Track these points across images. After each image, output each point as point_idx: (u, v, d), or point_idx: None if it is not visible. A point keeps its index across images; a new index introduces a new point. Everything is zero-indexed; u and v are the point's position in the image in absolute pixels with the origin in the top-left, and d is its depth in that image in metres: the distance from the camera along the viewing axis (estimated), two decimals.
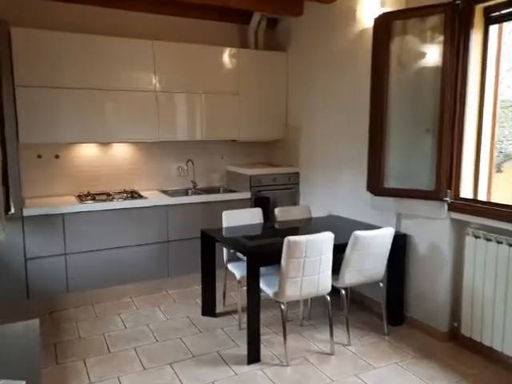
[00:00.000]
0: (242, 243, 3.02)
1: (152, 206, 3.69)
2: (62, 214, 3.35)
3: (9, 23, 3.15)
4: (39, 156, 3.71)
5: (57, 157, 3.77)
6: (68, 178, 3.84)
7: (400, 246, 3.09)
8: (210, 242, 3.23)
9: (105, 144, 3.93)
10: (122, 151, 4.04)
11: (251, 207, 4.09)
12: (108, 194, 3.85)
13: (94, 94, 3.56)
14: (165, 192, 4.08)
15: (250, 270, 2.66)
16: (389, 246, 2.93)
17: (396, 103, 3.03)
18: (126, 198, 3.69)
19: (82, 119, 3.54)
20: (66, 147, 3.79)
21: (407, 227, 3.15)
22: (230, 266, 3.26)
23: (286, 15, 4.23)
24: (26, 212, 3.23)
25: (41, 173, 3.73)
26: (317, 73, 3.97)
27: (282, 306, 2.68)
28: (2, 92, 3.07)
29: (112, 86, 3.62)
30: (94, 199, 3.62)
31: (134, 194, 3.85)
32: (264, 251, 2.83)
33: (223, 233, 3.27)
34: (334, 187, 3.84)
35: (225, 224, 3.39)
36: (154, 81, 3.79)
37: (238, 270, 3.13)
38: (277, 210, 3.58)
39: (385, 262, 2.97)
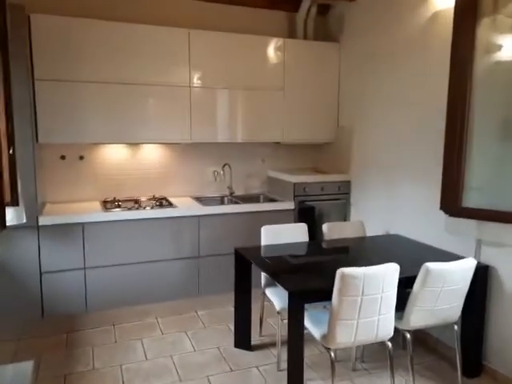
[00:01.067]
0: (283, 271, 2.51)
1: (183, 217, 3.26)
2: (82, 224, 2.99)
3: (28, 9, 2.81)
4: (63, 157, 3.38)
5: (81, 158, 3.43)
6: (93, 182, 3.48)
7: (480, 280, 2.48)
8: (245, 261, 2.75)
9: (133, 145, 3.55)
10: (151, 153, 3.64)
11: (294, 219, 3.58)
12: (136, 201, 3.46)
13: (121, 89, 3.18)
14: (198, 199, 3.64)
15: (292, 308, 2.16)
16: (468, 282, 2.33)
17: (482, 100, 2.41)
18: (154, 207, 3.28)
19: (107, 117, 3.17)
20: (91, 148, 3.44)
21: (490, 257, 2.52)
22: (269, 292, 2.77)
23: (339, 0, 3.67)
24: (42, 220, 2.89)
25: (64, 175, 3.39)
26: (376, 65, 3.39)
27: (332, 354, 2.16)
28: (21, 86, 2.73)
29: (141, 80, 3.22)
30: (119, 206, 3.24)
31: (163, 202, 3.43)
32: (310, 286, 2.29)
33: (262, 252, 2.79)
34: (393, 200, 3.25)
35: (264, 241, 2.90)
36: (188, 75, 3.36)
37: (277, 299, 2.63)
38: (325, 227, 3.05)
39: (462, 300, 2.37)
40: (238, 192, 3.91)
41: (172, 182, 3.73)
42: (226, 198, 3.83)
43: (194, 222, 3.30)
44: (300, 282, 2.33)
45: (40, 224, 2.88)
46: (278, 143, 3.89)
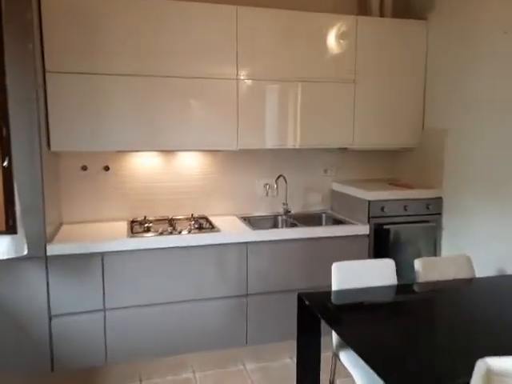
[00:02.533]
0: (372, 341, 1.72)
1: (227, 244, 2.56)
2: (102, 254, 2.36)
3: None
4: (84, 168, 2.78)
5: (106, 169, 2.81)
6: (119, 197, 2.86)
7: None
8: (312, 313, 2.00)
9: (167, 153, 2.90)
10: (189, 162, 2.97)
11: (369, 248, 2.79)
12: (170, 222, 2.80)
13: (152, 84, 2.53)
14: (245, 220, 2.94)
15: None
16: None
17: None
18: (192, 230, 2.60)
19: (136, 119, 2.53)
20: (118, 157, 2.82)
21: None
22: (344, 358, 1.99)
23: None
24: (52, 249, 2.28)
25: (86, 189, 2.79)
26: (481, 47, 2.54)
27: None
28: (26, 79, 2.14)
29: (177, 73, 2.56)
30: (148, 230, 2.58)
31: (203, 224, 2.74)
32: (416, 370, 1.48)
33: (332, 300, 2.03)
34: (509, 226, 2.39)
35: (336, 284, 2.12)
36: (235, 64, 2.66)
37: (358, 371, 1.85)
38: (419, 264, 2.22)
39: None
40: (295, 209, 3.16)
41: (214, 198, 3.05)
42: (280, 218, 3.09)
43: (242, 250, 2.59)
44: (404, 365, 1.52)
45: (49, 254, 2.27)
46: (344, 149, 3.12)
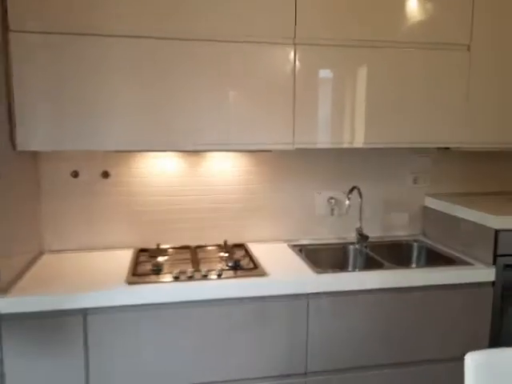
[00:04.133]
0: None
1: (277, 296, 1.66)
2: (84, 312, 1.52)
3: None
4: (75, 174, 1.96)
5: (105, 175, 1.98)
6: (123, 215, 2.03)
7: None
8: None
9: (191, 154, 2.04)
10: (223, 168, 2.10)
11: (494, 304, 1.80)
12: (193, 255, 1.94)
13: (168, 51, 1.67)
14: (301, 251, 2.03)
15: None
16: None
17: None
18: (223, 271, 1.72)
19: (144, 104, 1.68)
20: (121, 159, 1.99)
21: None
22: None
23: None
24: (6, 305, 1.47)
25: (77, 203, 1.98)
26: None
27: None
28: None
29: (202, 34, 1.68)
30: (157, 271, 1.72)
31: (240, 260, 1.83)
32: None
33: None
34: None
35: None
36: (290, 20, 1.75)
37: None
38: None
39: None
40: (372, 234, 2.22)
41: (256, 217, 2.16)
42: (351, 249, 2.15)
43: (299, 306, 1.68)
44: None
45: (2, 312, 1.47)
46: (444, 150, 2.14)
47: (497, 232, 1.79)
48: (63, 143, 1.65)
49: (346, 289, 1.70)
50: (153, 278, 1.65)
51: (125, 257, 1.90)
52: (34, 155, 1.88)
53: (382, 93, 1.86)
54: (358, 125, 1.87)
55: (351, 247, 2.14)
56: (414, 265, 2.17)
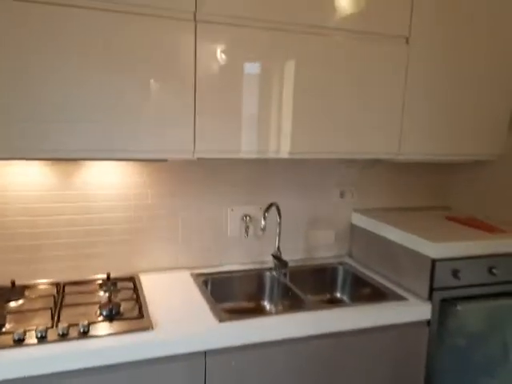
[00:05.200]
0: None
1: (164, 358, 1.25)
2: None
3: None
4: None
5: None
6: None
7: None
8: None
9: (61, 162, 1.55)
10: (104, 179, 1.62)
11: (429, 345, 1.54)
12: (58, 297, 1.46)
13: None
14: (206, 283, 1.65)
15: None
16: None
17: None
18: (87, 328, 1.27)
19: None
20: None
21: None
22: None
23: None
24: None
25: None
26: None
27: None
28: None
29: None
30: (3, 324, 1.23)
31: (118, 305, 1.40)
32: None
33: None
34: None
35: None
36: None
37: None
38: None
39: None
40: (292, 256, 1.88)
41: (151, 241, 1.72)
42: (267, 277, 1.79)
43: (195, 367, 1.28)
44: None
45: None
46: (373, 161, 1.85)
47: (434, 262, 1.52)
48: None
49: (257, 340, 1.33)
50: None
51: None
52: None
53: (309, 90, 1.50)
54: (276, 131, 1.50)
55: (268, 274, 1.78)
56: (338, 293, 1.87)
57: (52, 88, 1.22)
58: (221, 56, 1.38)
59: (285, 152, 1.51)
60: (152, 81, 1.31)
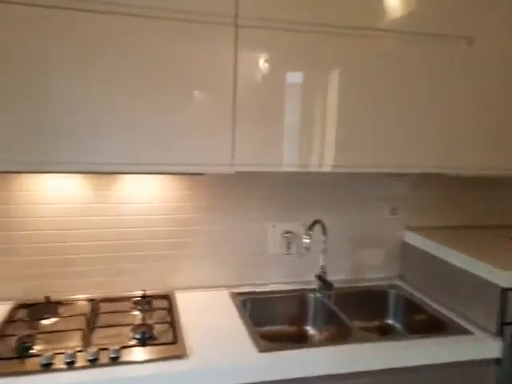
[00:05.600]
0: None
1: None
2: None
3: None
4: None
5: None
6: (1, 253, 1.47)
7: None
8: None
9: (96, 175, 1.50)
10: (140, 193, 1.55)
11: None
12: (92, 315, 1.39)
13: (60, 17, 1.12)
14: (245, 303, 1.53)
15: None
16: None
17: None
18: (119, 354, 1.19)
19: (12, 105, 1.12)
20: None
21: None
22: None
23: None
24: None
25: None
26: None
27: None
28: None
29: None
30: (24, 348, 1.17)
31: (151, 329, 1.31)
32: None
33: None
34: None
35: None
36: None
37: None
38: None
39: None
40: (337, 276, 1.74)
41: (187, 257, 1.63)
42: (311, 299, 1.65)
43: None
44: None
45: None
46: (424, 174, 1.68)
47: (504, 292, 1.33)
48: None
49: (299, 375, 1.20)
50: (9, 366, 1.10)
51: None
52: None
53: (354, 99, 1.37)
54: (324, 142, 1.37)
55: (311, 296, 1.65)
56: (389, 320, 1.70)
57: (87, 99, 1.16)
58: (262, 63, 1.28)
59: (328, 165, 1.39)
60: (188, 91, 1.23)
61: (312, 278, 1.69)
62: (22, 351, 1.15)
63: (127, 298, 1.53)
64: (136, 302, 1.49)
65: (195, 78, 1.23)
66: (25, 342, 1.18)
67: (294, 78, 1.32)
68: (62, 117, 1.15)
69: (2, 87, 1.09)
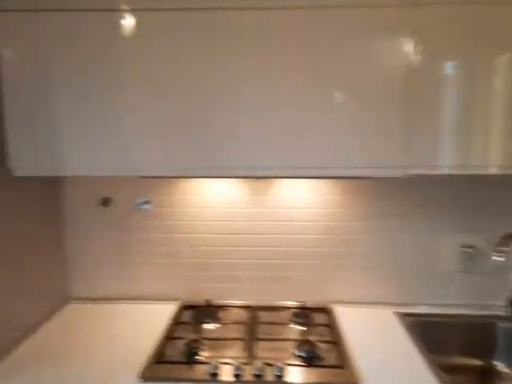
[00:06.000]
0: None
1: None
2: None
3: None
4: (105, 201, 1.50)
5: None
6: (164, 258, 1.51)
7: None
8: None
9: (254, 179, 1.45)
10: (298, 198, 1.47)
11: None
12: (251, 323, 1.35)
13: (220, 26, 1.10)
14: (418, 326, 1.32)
15: None
16: None
17: None
18: (282, 373, 1.10)
19: (179, 115, 1.13)
20: (163, 184, 1.48)
21: None
22: None
23: None
24: None
25: (106, 240, 1.51)
26: None
27: None
28: None
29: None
30: (191, 353, 1.16)
31: (314, 346, 1.20)
32: None
33: None
34: None
35: None
36: None
37: None
38: None
39: None
40: None
41: (347, 269, 1.49)
42: (498, 328, 1.36)
43: None
44: None
45: None
46: None
47: None
48: (65, 167, 1.17)
49: None
50: (180, 371, 1.10)
51: (161, 317, 1.38)
52: (55, 181, 1.46)
53: None
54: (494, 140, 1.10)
55: (500, 325, 1.36)
56: None
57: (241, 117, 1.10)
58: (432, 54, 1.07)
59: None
60: (359, 87, 1.09)
61: (501, 302, 1.40)
62: (190, 356, 1.15)
63: (284, 308, 1.45)
64: (295, 314, 1.40)
65: (367, 73, 1.08)
66: (192, 348, 1.17)
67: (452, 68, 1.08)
68: (227, 118, 1.11)
69: (169, 97, 1.10)
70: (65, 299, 1.51)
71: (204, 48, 1.08)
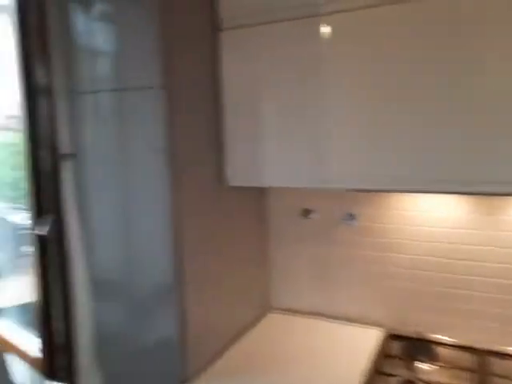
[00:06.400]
0: None
1: None
2: None
3: None
4: (305, 212, 1.45)
5: (347, 219, 1.38)
6: (370, 279, 1.37)
7: None
8: None
9: (482, 196, 1.17)
10: None
11: None
12: (479, 373, 1.10)
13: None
14: None
15: None
16: None
17: None
18: None
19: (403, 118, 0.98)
20: (371, 197, 1.34)
21: None
22: None
23: None
24: None
25: (309, 252, 1.46)
26: None
27: None
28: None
29: None
30: None
31: None
32: None
33: None
34: None
35: None
36: None
37: None
38: None
39: None
40: None
41: None
42: None
43: None
44: None
45: None
46: None
47: None
48: (278, 178, 1.15)
49: None
50: None
51: (364, 342, 1.25)
52: (261, 191, 1.49)
53: None
54: None
55: None
56: None
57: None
58: None
59: None
60: None
61: None
62: None
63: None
64: None
65: None
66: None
67: None
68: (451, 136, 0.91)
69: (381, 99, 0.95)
70: (266, 308, 1.53)
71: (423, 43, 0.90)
